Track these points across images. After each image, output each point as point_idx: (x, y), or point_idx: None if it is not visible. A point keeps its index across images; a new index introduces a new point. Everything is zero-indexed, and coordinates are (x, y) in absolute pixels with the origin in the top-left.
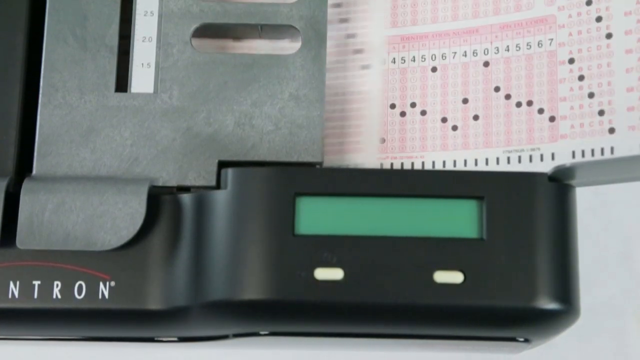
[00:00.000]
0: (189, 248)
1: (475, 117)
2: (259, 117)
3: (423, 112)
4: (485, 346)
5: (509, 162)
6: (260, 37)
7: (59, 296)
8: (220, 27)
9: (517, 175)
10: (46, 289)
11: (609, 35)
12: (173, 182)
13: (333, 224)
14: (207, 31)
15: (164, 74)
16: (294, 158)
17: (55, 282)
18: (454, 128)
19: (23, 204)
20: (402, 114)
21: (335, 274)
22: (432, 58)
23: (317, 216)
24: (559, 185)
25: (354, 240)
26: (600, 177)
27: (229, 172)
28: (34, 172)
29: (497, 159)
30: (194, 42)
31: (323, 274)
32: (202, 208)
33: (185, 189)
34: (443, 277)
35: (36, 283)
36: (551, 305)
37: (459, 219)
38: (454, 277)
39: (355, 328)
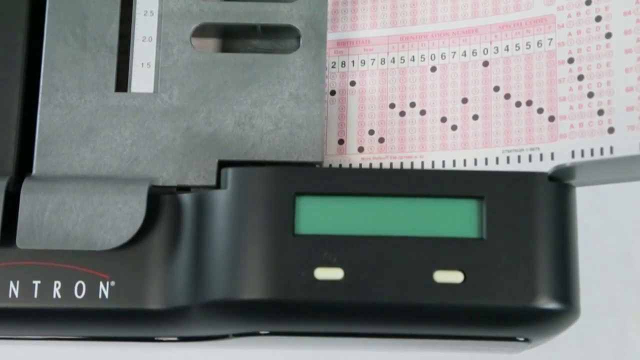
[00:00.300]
0: (189, 248)
1: (475, 117)
2: (259, 117)
3: (422, 112)
4: (485, 346)
5: (508, 161)
6: (260, 37)
7: (59, 296)
8: (220, 27)
9: (517, 175)
10: (46, 289)
11: (608, 35)
12: (173, 182)
13: (333, 224)
14: (207, 31)
15: (164, 73)
16: (294, 158)
17: (55, 282)
18: (454, 128)
19: (23, 204)
20: (402, 113)
21: (335, 273)
22: (431, 58)
23: (317, 216)
24: (559, 185)
25: (354, 240)
26: (600, 177)
27: (229, 172)
28: (34, 172)
29: (497, 159)
30: (194, 42)
31: (323, 273)
32: (202, 208)
33: (185, 189)
34: (443, 277)
35: (36, 283)
36: (551, 305)
37: (459, 219)
38: (454, 277)
39: (355, 328)
